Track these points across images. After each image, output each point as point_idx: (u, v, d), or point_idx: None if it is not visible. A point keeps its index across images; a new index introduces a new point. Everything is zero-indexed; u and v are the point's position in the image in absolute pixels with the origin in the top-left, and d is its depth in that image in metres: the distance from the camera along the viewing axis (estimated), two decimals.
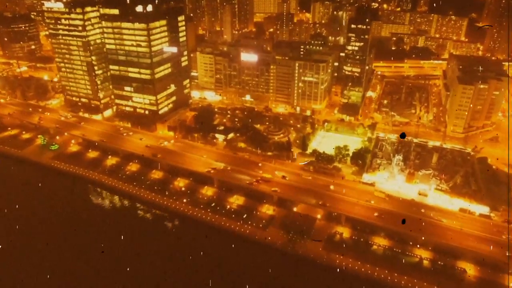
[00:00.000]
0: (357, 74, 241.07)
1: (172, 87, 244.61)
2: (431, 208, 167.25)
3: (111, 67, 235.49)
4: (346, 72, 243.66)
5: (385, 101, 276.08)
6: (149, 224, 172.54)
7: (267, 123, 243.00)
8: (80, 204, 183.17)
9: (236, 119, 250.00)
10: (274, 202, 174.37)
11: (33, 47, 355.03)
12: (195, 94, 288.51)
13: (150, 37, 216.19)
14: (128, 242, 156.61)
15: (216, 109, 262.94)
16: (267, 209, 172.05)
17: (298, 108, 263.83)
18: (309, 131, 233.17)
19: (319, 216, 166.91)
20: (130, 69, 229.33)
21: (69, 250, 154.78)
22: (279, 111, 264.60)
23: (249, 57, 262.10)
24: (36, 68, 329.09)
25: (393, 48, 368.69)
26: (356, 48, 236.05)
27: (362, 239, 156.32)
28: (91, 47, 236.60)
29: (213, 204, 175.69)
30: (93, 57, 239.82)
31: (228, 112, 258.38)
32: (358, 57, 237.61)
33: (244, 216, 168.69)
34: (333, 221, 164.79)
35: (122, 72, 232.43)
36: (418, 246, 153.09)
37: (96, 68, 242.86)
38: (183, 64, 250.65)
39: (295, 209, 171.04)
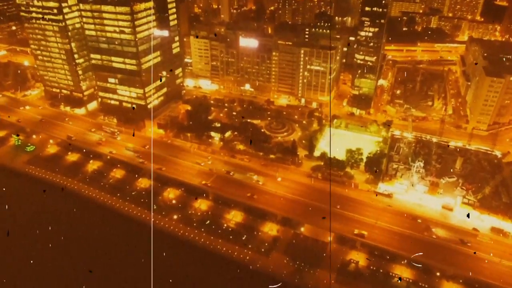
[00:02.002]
0: (371, 64, 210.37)
1: (163, 78, 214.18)
2: (459, 231, 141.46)
3: (92, 56, 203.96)
4: (358, 61, 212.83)
5: (398, 91, 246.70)
6: (133, 245, 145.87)
7: (269, 119, 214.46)
8: (56, 219, 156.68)
9: (234, 113, 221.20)
10: (278, 221, 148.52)
11: (13, 28, 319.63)
12: (189, 83, 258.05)
13: (135, 22, 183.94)
14: (106, 264, 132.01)
15: (211, 101, 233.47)
16: (270, 229, 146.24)
17: (303, 100, 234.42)
18: (316, 128, 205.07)
19: (330, 239, 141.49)
20: (113, 58, 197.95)
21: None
22: (282, 103, 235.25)
23: (248, 42, 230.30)
24: (16, 53, 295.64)
25: (404, 29, 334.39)
26: (370, 34, 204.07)
27: (381, 270, 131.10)
28: (70, 33, 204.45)
29: (207, 222, 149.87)
30: (73, 44, 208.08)
31: (225, 105, 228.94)
32: (372, 44, 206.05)
33: (244, 237, 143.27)
34: (346, 244, 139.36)
35: (105, 62, 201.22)
36: (447, 279, 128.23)
37: (76, 56, 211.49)
38: (175, 51, 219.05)
39: (302, 229, 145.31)
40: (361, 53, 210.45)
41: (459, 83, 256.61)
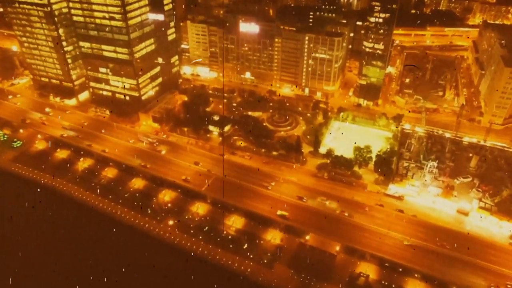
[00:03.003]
0: (380, 52, 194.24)
1: (157, 68, 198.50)
2: (475, 240, 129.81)
3: (81, 44, 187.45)
4: (367, 49, 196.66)
5: (407, 80, 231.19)
6: (125, 253, 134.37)
7: (271, 111, 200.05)
8: (42, 224, 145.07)
9: (234, 104, 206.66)
10: (282, 228, 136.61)
11: (1, 9, 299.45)
12: (187, 70, 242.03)
13: (126, 7, 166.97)
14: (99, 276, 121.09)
15: (210, 91, 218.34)
16: (273, 237, 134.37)
17: (306, 90, 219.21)
18: (321, 120, 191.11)
19: (337, 248, 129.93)
20: (104, 46, 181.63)
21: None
22: (285, 94, 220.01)
23: (249, 27, 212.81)
24: (4, 37, 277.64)
25: (412, 12, 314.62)
26: (381, 20, 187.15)
27: (393, 285, 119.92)
28: (56, 19, 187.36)
29: (206, 228, 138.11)
30: (61, 31, 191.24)
31: (225, 95, 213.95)
32: (382, 31, 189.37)
33: (245, 246, 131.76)
34: (355, 255, 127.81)
35: (95, 50, 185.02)
36: None
37: (65, 44, 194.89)
38: (170, 37, 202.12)
39: (307, 237, 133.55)
40: (370, 40, 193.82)
41: (471, 71, 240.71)
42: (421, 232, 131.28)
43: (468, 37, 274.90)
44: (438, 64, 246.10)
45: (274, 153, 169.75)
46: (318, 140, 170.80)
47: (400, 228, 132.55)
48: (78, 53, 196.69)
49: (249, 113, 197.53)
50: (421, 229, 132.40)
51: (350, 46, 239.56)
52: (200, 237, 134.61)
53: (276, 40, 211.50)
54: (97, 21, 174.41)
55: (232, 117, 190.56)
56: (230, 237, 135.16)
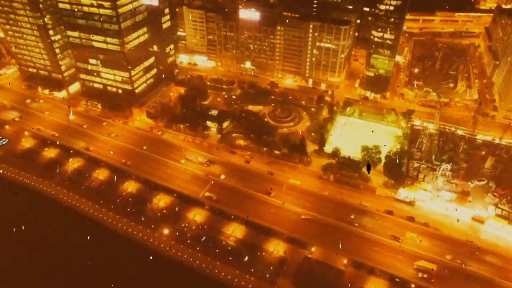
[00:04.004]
0: (390, 42, 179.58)
1: (151, 58, 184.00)
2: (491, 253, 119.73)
3: (69, 33, 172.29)
4: (375, 39, 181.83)
5: (416, 70, 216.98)
6: (117, 264, 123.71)
7: (273, 105, 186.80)
8: (27, 232, 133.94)
9: (234, 97, 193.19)
10: (285, 238, 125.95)
11: None
12: (183, 59, 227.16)
13: None
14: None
15: (208, 82, 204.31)
16: (276, 249, 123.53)
17: (310, 81, 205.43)
18: (326, 115, 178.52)
19: (345, 262, 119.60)
20: (93, 36, 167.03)
21: None
22: (287, 85, 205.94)
23: (249, 14, 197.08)
24: None
25: None
26: (392, 8, 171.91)
27: None
28: (41, 5, 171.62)
29: (203, 239, 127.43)
30: (47, 18, 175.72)
31: (224, 87, 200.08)
32: (392, 19, 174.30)
33: (246, 258, 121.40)
34: (363, 269, 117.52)
35: (84, 40, 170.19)
36: None
37: (51, 32, 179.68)
38: (165, 26, 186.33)
39: (313, 249, 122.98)
40: (379, 29, 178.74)
41: (483, 60, 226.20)
42: (436, 245, 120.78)
43: (479, 23, 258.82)
44: (448, 52, 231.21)
45: (277, 152, 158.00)
46: (323, 138, 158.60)
47: (412, 241, 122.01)
48: (67, 41, 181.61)
49: (250, 107, 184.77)
50: (436, 242, 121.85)
51: (356, 34, 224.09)
52: (198, 248, 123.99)
53: (278, 28, 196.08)
54: (85, 8, 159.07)
55: (231, 112, 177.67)
56: (229, 248, 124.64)
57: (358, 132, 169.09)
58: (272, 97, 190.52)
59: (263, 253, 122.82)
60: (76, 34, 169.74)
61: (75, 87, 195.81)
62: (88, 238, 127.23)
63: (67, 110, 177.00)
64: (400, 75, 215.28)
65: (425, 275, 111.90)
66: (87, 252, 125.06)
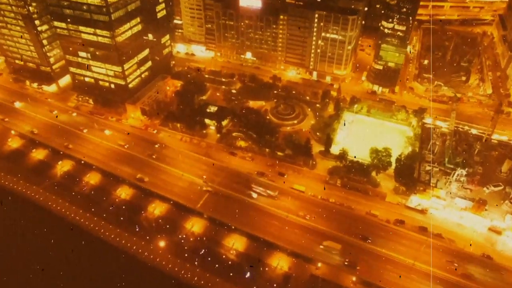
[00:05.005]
0: (401, 34, 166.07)
1: (146, 50, 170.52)
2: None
3: (56, 24, 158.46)
4: (385, 30, 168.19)
5: (426, 61, 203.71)
6: (110, 279, 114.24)
7: (275, 100, 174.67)
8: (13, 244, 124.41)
9: (234, 91, 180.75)
10: (290, 252, 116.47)
11: None
12: (180, 48, 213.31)
13: None
14: None
15: (206, 75, 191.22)
16: (280, 263, 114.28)
17: (314, 74, 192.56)
18: (332, 112, 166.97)
19: (354, 279, 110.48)
20: (82, 28, 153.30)
21: None
22: (290, 78, 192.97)
23: (250, 1, 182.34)
24: None
25: None
26: None
27: None
28: None
29: (202, 251, 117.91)
30: (32, 7, 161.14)
31: (223, 80, 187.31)
32: (405, 9, 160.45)
33: (247, 274, 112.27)
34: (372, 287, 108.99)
35: (72, 32, 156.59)
36: None
37: (37, 22, 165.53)
38: (160, 15, 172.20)
39: (319, 264, 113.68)
40: (390, 20, 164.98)
41: (496, 51, 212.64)
42: (451, 261, 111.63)
43: (491, 9, 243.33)
44: (459, 42, 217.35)
45: (280, 153, 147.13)
46: (329, 139, 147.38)
47: (426, 255, 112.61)
48: (54, 33, 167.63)
49: (250, 102, 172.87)
50: (450, 258, 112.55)
51: (363, 22, 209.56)
52: (196, 263, 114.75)
53: (281, 17, 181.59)
54: None
55: (231, 108, 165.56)
56: (230, 262, 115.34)
57: (366, 131, 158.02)
58: (275, 91, 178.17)
59: (266, 268, 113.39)
60: (63, 25, 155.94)
61: (65, 80, 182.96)
62: (79, 250, 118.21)
63: (53, 107, 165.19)
64: (409, 67, 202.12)
65: None
66: (78, 265, 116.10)
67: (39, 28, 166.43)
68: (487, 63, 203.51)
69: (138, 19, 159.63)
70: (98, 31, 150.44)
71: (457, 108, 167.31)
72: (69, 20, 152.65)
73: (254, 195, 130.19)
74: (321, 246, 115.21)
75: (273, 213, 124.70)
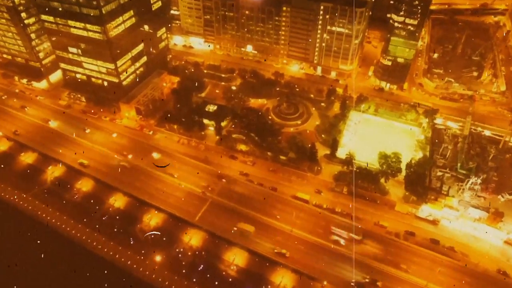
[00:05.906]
0: (412, 28, 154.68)
1: (140, 45, 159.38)
2: None
3: (43, 17, 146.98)
4: (395, 24, 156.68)
5: (435, 55, 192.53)
6: None
7: (278, 98, 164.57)
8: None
9: (234, 88, 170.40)
10: (293, 269, 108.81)
11: None
12: (178, 41, 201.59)
13: None
14: None
15: (205, 70, 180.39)
16: (283, 282, 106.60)
17: (319, 69, 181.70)
18: (337, 110, 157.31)
19: None
20: (71, 22, 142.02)
21: None
22: (293, 73, 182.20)
23: None
24: None
25: None
26: None
27: None
28: None
29: (200, 268, 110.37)
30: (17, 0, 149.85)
31: (223, 75, 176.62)
32: (417, 2, 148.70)
33: None
34: None
35: (61, 26, 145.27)
36: None
37: (24, 15, 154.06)
38: (155, 6, 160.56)
39: (325, 282, 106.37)
40: (401, 13, 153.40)
41: (510, 43, 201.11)
42: (467, 283, 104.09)
43: None
44: (470, 33, 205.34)
45: (283, 158, 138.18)
46: (335, 142, 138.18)
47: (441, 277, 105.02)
48: (42, 27, 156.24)
49: (251, 100, 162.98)
50: (467, 279, 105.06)
51: (370, 13, 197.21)
52: (194, 280, 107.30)
53: (284, 8, 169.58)
54: None
55: (231, 107, 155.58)
56: (230, 279, 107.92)
57: (374, 131, 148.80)
58: (277, 88, 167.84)
59: (269, 286, 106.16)
60: (50, 19, 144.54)
61: (57, 75, 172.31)
62: (70, 264, 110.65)
63: (45, 105, 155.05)
64: (418, 61, 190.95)
65: None
66: (68, 280, 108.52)
67: (26, 21, 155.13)
68: (500, 57, 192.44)
69: (132, 12, 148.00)
70: (89, 26, 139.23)
71: (466, 105, 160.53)
72: (57, 13, 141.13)
73: None
74: (235, 228, 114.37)
75: (278, 228, 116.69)
